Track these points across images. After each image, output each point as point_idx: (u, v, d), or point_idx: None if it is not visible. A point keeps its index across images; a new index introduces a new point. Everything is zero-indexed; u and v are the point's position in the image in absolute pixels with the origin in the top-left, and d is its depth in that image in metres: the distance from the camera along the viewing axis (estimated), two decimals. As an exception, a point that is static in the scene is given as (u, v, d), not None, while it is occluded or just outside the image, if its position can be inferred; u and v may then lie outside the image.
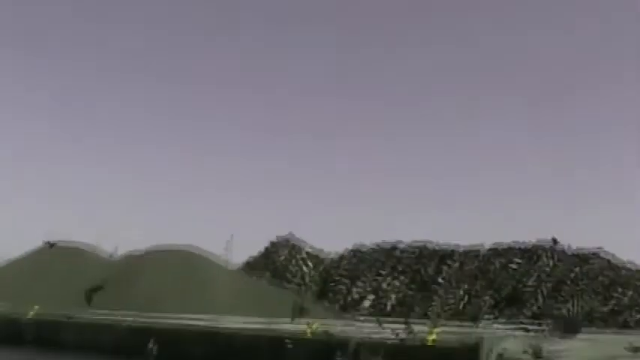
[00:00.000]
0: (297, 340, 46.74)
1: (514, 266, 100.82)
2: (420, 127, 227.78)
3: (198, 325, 51.92)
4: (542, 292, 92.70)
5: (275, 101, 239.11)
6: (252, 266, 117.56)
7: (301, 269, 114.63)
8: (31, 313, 61.93)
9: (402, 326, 49.82)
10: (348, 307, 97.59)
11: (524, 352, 43.80)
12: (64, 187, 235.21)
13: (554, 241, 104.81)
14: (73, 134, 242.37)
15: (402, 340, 45.10)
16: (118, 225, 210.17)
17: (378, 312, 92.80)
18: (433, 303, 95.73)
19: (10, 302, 70.32)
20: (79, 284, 77.16)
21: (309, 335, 48.25)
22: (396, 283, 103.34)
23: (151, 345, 47.30)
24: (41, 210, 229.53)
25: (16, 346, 52.47)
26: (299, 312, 63.32)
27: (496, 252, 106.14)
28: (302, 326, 53.18)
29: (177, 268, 77.77)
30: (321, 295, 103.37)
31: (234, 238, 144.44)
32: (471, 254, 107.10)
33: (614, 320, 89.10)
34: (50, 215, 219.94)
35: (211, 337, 48.86)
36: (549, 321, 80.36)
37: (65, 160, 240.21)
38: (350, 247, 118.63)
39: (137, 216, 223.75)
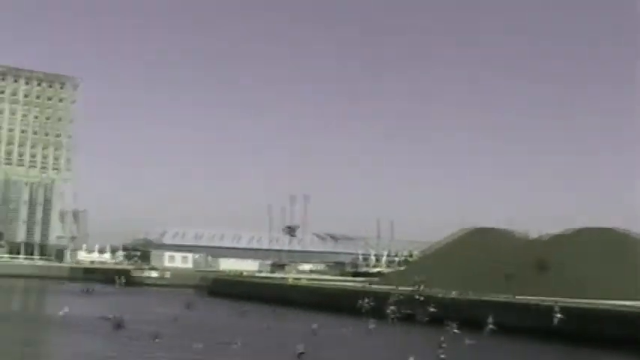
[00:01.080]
0: None
1: None
2: None
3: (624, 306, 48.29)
4: None
5: None
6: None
7: None
8: (454, 294, 62.48)
9: None
10: None
11: None
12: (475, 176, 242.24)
13: None
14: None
15: None
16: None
17: None
18: None
19: (433, 283, 71.75)
20: (501, 265, 76.33)
21: None
22: None
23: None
24: (451, 195, 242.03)
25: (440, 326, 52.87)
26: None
27: None
28: None
29: (609, 249, 73.44)
30: None
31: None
32: None
33: None
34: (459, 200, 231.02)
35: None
36: None
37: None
38: None
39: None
